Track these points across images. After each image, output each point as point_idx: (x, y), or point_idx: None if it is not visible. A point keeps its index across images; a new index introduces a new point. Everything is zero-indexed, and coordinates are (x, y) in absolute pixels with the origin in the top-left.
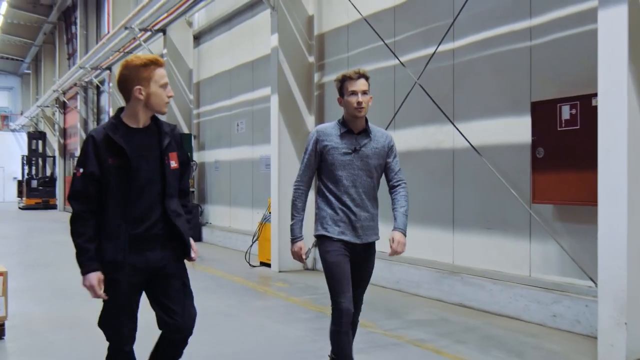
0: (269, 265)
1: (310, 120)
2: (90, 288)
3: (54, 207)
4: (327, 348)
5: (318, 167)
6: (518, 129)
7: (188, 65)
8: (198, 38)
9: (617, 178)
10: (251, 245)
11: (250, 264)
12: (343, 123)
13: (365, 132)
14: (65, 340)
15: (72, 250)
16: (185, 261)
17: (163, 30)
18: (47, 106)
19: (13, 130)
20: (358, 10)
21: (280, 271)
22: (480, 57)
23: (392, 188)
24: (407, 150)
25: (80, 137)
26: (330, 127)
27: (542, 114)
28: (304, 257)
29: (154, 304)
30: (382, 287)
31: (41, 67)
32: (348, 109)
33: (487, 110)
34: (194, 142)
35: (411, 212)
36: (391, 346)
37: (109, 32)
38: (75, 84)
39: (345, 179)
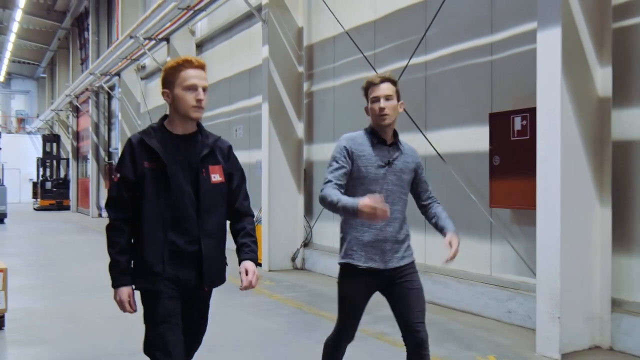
0: (259, 264)
1: (299, 127)
2: (120, 303)
3: (67, 208)
4: (297, 340)
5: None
6: (480, 138)
7: None
8: (200, 46)
9: (552, 186)
10: None
11: None
12: (372, 133)
13: (396, 144)
14: (61, 331)
15: (80, 250)
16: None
17: (167, 39)
18: (61, 110)
19: (29, 133)
20: (341, 24)
21: (269, 270)
22: (449, 70)
23: (424, 207)
24: None
25: (92, 140)
26: (360, 137)
27: (498, 124)
28: (386, 208)
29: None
30: None
31: (56, 71)
32: (372, 117)
33: (454, 120)
34: None
35: None
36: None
37: (117, 39)
38: (87, 89)
39: (377, 194)
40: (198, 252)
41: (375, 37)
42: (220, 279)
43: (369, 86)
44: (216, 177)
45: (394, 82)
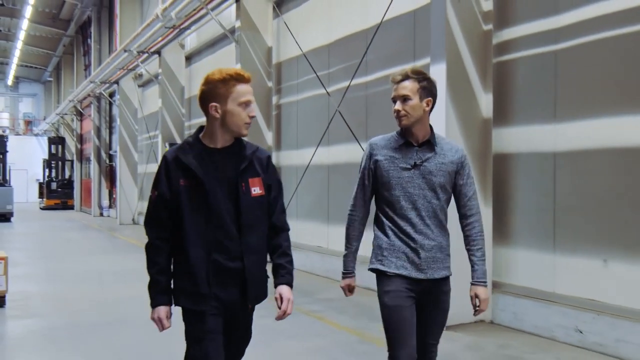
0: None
1: (269, 136)
2: (158, 321)
3: (71, 207)
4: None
5: (374, 189)
6: None
7: (180, 82)
8: (189, 59)
9: None
10: None
11: None
12: (401, 133)
13: (429, 143)
14: (52, 309)
15: (78, 245)
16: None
17: (158, 52)
18: (66, 114)
19: (36, 135)
20: (300, 47)
21: None
22: (384, 90)
23: (463, 217)
24: (335, 163)
25: (94, 143)
26: (387, 139)
27: None
28: (350, 293)
29: None
30: (315, 275)
31: (62, 76)
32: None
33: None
34: None
35: (334, 209)
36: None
37: (116, 49)
38: (89, 95)
39: (403, 199)
40: (241, 269)
41: (329, 59)
42: (263, 295)
43: (393, 84)
44: (256, 190)
45: (417, 79)
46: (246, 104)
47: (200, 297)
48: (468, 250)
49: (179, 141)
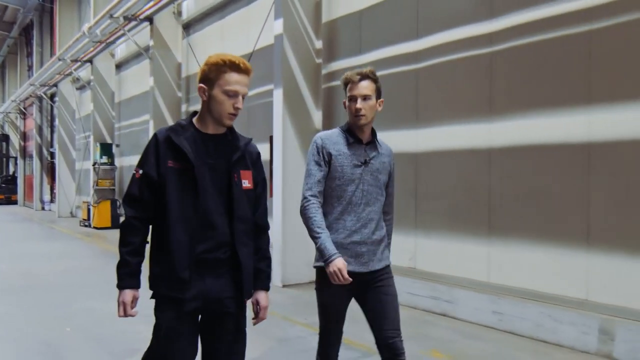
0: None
1: None
2: (122, 304)
3: (15, 202)
4: None
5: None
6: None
7: (111, 88)
8: (119, 66)
9: (277, 186)
10: None
11: None
12: (349, 131)
13: (373, 143)
14: (19, 279)
15: (18, 234)
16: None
17: (90, 60)
18: (10, 112)
19: None
20: (199, 65)
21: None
22: (264, 103)
23: (384, 214)
24: None
25: (36, 141)
26: (335, 135)
27: (271, 143)
28: (346, 277)
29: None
30: None
31: (6, 75)
32: (349, 115)
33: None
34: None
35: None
36: None
37: (56, 53)
38: (31, 95)
39: (354, 195)
40: (229, 261)
41: None
42: (252, 288)
43: (347, 82)
44: (246, 183)
45: (374, 80)
46: (233, 93)
47: (178, 282)
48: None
49: (109, 141)
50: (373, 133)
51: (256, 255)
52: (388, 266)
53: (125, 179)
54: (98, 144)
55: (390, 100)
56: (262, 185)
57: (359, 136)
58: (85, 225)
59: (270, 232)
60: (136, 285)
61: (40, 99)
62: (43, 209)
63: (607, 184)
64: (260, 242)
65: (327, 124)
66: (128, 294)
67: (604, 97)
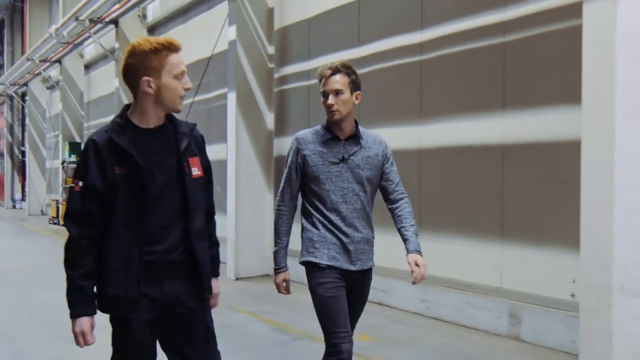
0: None
1: None
2: (81, 335)
3: None
4: None
5: (302, 182)
6: None
7: (80, 88)
8: (88, 67)
9: (231, 182)
10: None
11: None
12: (327, 128)
13: (355, 137)
14: None
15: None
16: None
17: (59, 61)
18: None
19: None
20: None
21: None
22: (221, 105)
23: (393, 202)
24: None
25: (7, 140)
26: (312, 133)
27: None
28: (289, 290)
29: (169, 348)
30: None
31: None
32: (325, 112)
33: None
34: None
35: None
36: None
37: (25, 52)
38: (1, 94)
39: (333, 193)
40: (184, 259)
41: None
42: (210, 284)
43: (320, 79)
44: (196, 170)
45: (347, 73)
46: (181, 74)
47: (127, 302)
48: (401, 227)
49: (78, 140)
50: (356, 127)
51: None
52: (372, 268)
53: None
54: (67, 143)
55: None
56: (209, 170)
57: (336, 132)
58: (54, 223)
59: (223, 226)
60: (93, 312)
61: (11, 98)
62: (14, 207)
63: (518, 181)
64: (209, 227)
65: (279, 126)
66: (86, 321)
67: (517, 103)
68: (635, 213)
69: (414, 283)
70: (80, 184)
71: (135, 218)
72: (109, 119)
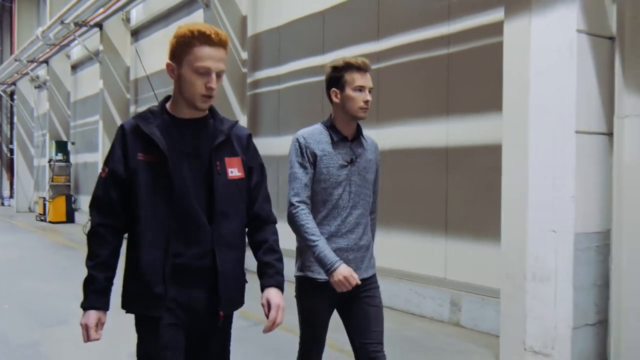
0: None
1: None
2: (84, 328)
3: None
4: None
5: None
6: None
7: (67, 88)
8: (75, 67)
9: None
10: None
11: None
12: (332, 127)
13: (359, 139)
14: None
15: None
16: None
17: (46, 61)
18: None
19: None
20: (145, 70)
21: None
22: None
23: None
24: None
25: None
26: (318, 133)
27: None
28: (356, 280)
29: None
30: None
31: None
32: (349, 107)
33: None
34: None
35: None
36: None
37: (13, 52)
38: None
39: (341, 198)
40: (211, 267)
41: (164, 81)
42: (239, 301)
43: (349, 68)
44: (234, 171)
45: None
46: (204, 70)
47: (153, 299)
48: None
49: (65, 139)
50: (358, 128)
51: (259, 250)
52: (375, 275)
53: (80, 176)
54: (54, 142)
55: (303, 107)
56: (258, 172)
57: (344, 133)
58: (41, 220)
59: None
60: (102, 306)
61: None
62: (2, 204)
63: (460, 181)
64: (264, 235)
65: (252, 128)
66: (92, 315)
67: (459, 110)
68: (544, 210)
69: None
70: (106, 169)
71: (161, 211)
72: (95, 118)
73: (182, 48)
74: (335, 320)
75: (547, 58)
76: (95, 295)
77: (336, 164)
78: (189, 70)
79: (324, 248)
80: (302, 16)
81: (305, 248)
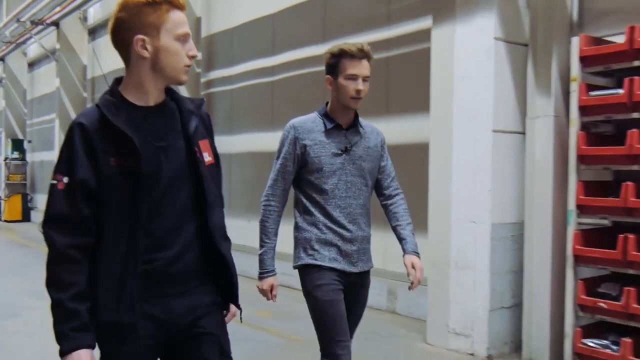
0: None
1: None
2: None
3: None
4: None
5: (297, 176)
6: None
7: (23, 86)
8: (32, 65)
9: None
10: None
11: None
12: (327, 115)
13: (355, 127)
14: None
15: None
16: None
17: (2, 59)
18: None
19: None
20: (101, 69)
21: None
22: None
23: (387, 198)
24: None
25: None
26: (311, 121)
27: None
28: (275, 297)
29: None
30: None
31: None
32: (341, 95)
33: None
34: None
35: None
36: None
37: None
38: None
39: (336, 188)
40: (196, 266)
41: None
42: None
43: (343, 56)
44: (207, 156)
45: (371, 60)
46: (185, 37)
47: (123, 329)
48: (397, 226)
49: (21, 137)
50: (355, 116)
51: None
52: (369, 270)
53: (36, 174)
54: (10, 140)
55: (254, 106)
56: (219, 156)
57: (338, 121)
58: None
59: None
60: (92, 343)
61: None
62: None
63: (398, 178)
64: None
65: None
66: (84, 355)
67: (398, 110)
68: (465, 204)
69: (410, 289)
70: (65, 180)
71: (133, 220)
72: (51, 116)
73: (154, 16)
74: (280, 308)
75: (469, 63)
76: (81, 334)
77: (328, 153)
78: (171, 39)
79: (270, 253)
80: (254, 18)
81: (303, 236)
